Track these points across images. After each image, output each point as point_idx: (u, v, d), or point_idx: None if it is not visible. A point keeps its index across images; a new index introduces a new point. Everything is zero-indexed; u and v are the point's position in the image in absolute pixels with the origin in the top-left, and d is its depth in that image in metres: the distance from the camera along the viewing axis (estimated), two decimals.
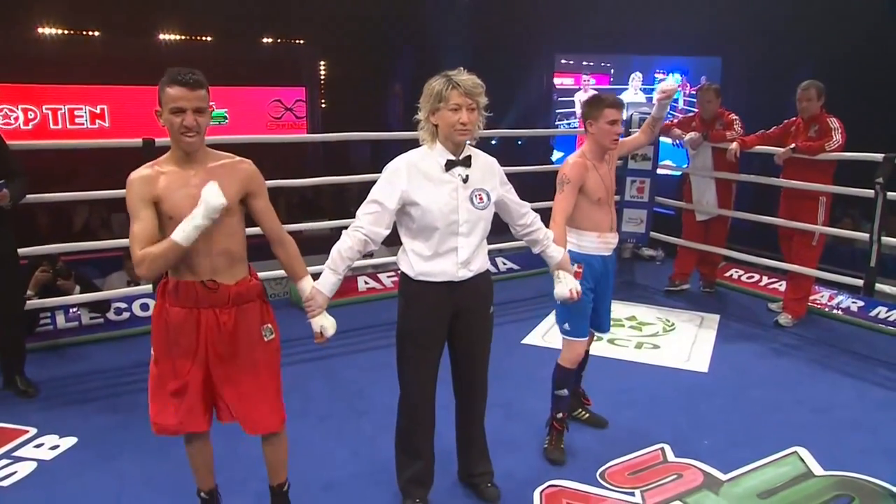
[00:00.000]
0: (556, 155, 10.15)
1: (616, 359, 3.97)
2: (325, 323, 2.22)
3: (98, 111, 9.22)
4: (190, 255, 1.99)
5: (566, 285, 2.55)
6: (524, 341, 4.20)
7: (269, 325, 2.15)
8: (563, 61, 10.66)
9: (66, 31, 8.70)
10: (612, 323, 4.43)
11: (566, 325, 2.91)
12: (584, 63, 10.69)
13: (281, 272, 2.57)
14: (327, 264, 2.27)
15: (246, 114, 9.89)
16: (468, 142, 2.34)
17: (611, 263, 2.95)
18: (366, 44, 9.64)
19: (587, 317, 2.93)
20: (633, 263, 5.72)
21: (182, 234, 1.91)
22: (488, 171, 2.37)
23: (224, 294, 2.05)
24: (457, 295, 2.34)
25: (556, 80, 10.80)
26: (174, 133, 1.97)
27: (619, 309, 4.76)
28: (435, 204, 2.25)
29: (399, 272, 2.39)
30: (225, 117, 9.66)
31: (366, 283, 5.12)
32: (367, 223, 2.26)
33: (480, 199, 2.31)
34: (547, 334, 4.30)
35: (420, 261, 2.29)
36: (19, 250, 3.36)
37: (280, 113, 10.35)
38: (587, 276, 2.85)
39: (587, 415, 3.22)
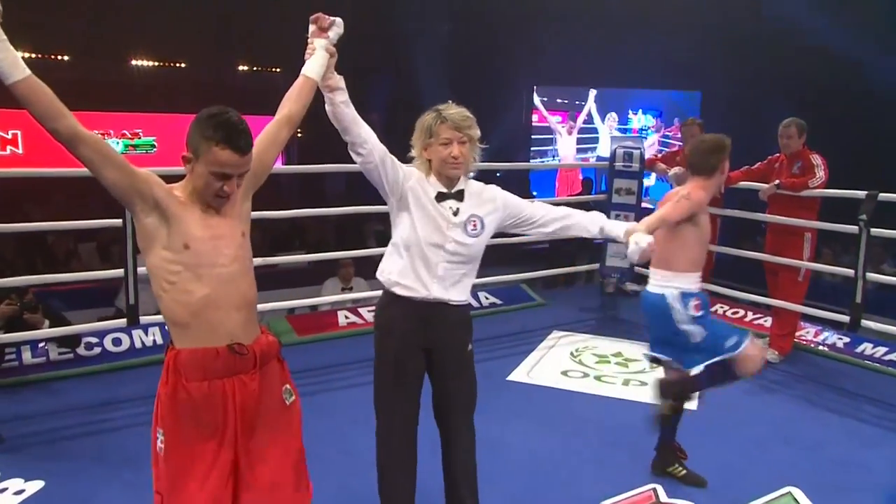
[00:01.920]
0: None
1: (603, 396, 4.00)
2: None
3: (9, 136, 8.80)
4: (207, 314, 1.75)
5: (643, 239, 2.40)
6: (510, 378, 4.22)
7: (289, 386, 1.93)
8: (544, 99, 10.93)
9: None
10: (597, 359, 4.60)
11: (730, 342, 2.88)
12: (559, 100, 11.00)
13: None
14: None
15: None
16: (468, 175, 2.39)
17: None
18: (341, 72, 9.72)
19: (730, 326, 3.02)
20: (616, 299, 5.80)
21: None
22: (486, 200, 2.39)
23: (251, 357, 1.81)
24: (431, 325, 2.33)
25: (538, 117, 11.08)
26: (208, 193, 1.74)
27: (604, 345, 4.83)
28: (421, 230, 2.29)
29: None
30: (153, 146, 9.63)
31: (346, 317, 5.11)
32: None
33: (474, 225, 2.33)
34: (532, 371, 4.33)
35: (398, 262, 2.31)
36: None
37: None
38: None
39: (684, 472, 3.10)
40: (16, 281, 3.73)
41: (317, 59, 2.14)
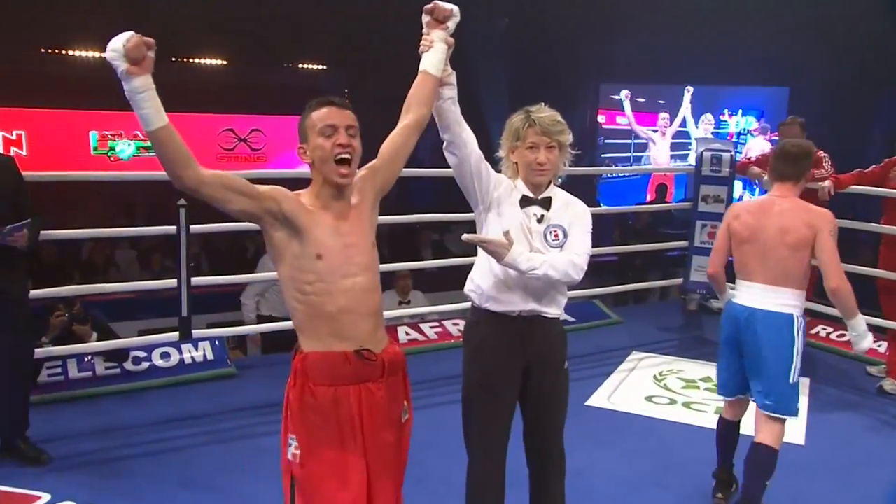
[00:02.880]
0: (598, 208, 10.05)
1: (694, 425, 3.80)
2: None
3: (14, 137, 8.66)
4: (340, 321, 1.80)
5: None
6: (589, 403, 4.05)
7: (406, 404, 1.95)
8: (612, 97, 10.65)
9: None
10: (684, 384, 4.39)
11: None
12: (638, 99, 10.65)
13: None
14: None
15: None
16: (557, 181, 2.34)
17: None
18: (394, 70, 9.69)
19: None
20: (701, 317, 5.57)
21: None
22: (570, 213, 2.32)
23: (379, 364, 1.85)
24: (530, 341, 2.26)
25: (607, 118, 10.71)
26: (327, 159, 1.80)
27: (690, 368, 4.62)
28: (503, 231, 2.21)
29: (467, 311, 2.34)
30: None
31: (406, 333, 5.02)
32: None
33: (556, 236, 2.28)
34: (613, 395, 4.15)
35: (490, 277, 2.25)
36: (34, 292, 3.32)
37: (232, 144, 9.78)
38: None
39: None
40: (67, 290, 3.75)
41: (436, 53, 2.12)
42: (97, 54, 8.25)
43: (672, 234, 6.95)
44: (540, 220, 2.27)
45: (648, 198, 10.21)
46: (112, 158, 8.97)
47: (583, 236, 2.30)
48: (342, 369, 1.79)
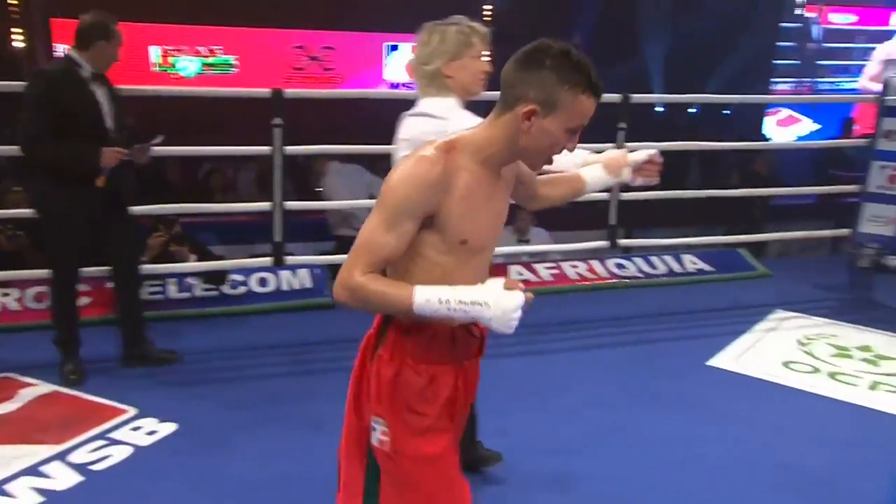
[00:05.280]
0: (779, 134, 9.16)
1: (839, 400, 3.55)
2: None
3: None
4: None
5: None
6: (710, 362, 3.87)
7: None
8: None
9: None
10: (835, 351, 4.08)
11: None
12: None
13: None
14: None
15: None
16: None
17: None
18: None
19: None
20: (873, 276, 5.10)
21: (433, 306, 1.52)
22: None
23: (479, 341, 1.77)
24: None
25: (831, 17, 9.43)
26: (542, 156, 1.62)
27: (847, 334, 4.31)
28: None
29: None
30: (232, 65, 9.00)
31: (519, 273, 5.01)
32: None
33: None
34: (743, 356, 3.93)
35: None
36: (136, 208, 3.61)
37: (302, 63, 9.36)
38: None
39: None
40: (159, 209, 4.03)
41: (602, 179, 2.07)
42: None
43: (846, 177, 6.37)
44: None
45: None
46: (174, 76, 8.85)
47: None
48: (447, 347, 1.68)
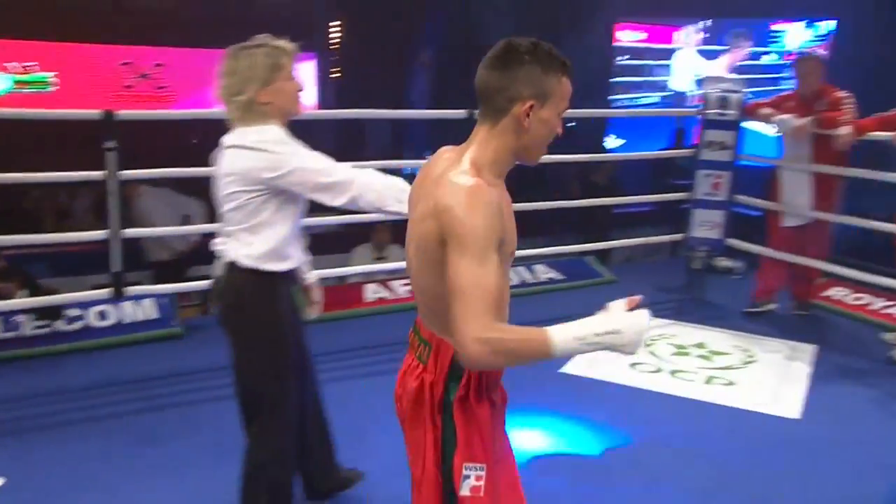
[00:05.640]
0: (615, 143, 9.77)
1: (678, 396, 3.77)
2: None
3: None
4: (505, 309, 1.67)
5: None
6: (564, 370, 4.00)
7: None
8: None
9: None
10: (674, 350, 4.34)
11: None
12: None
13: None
14: None
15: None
16: None
17: None
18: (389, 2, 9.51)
19: None
20: (704, 277, 5.48)
21: (571, 346, 1.47)
22: None
23: None
24: None
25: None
26: (541, 147, 1.64)
27: (685, 333, 4.57)
28: None
29: None
30: (48, 83, 8.44)
31: (375, 292, 4.99)
32: None
33: None
34: (595, 362, 4.10)
35: None
36: None
37: (130, 81, 8.95)
38: None
39: None
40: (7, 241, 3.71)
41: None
42: None
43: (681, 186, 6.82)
44: None
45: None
46: None
47: None
48: (495, 378, 1.71)
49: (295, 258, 2.41)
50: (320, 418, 2.70)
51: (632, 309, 1.51)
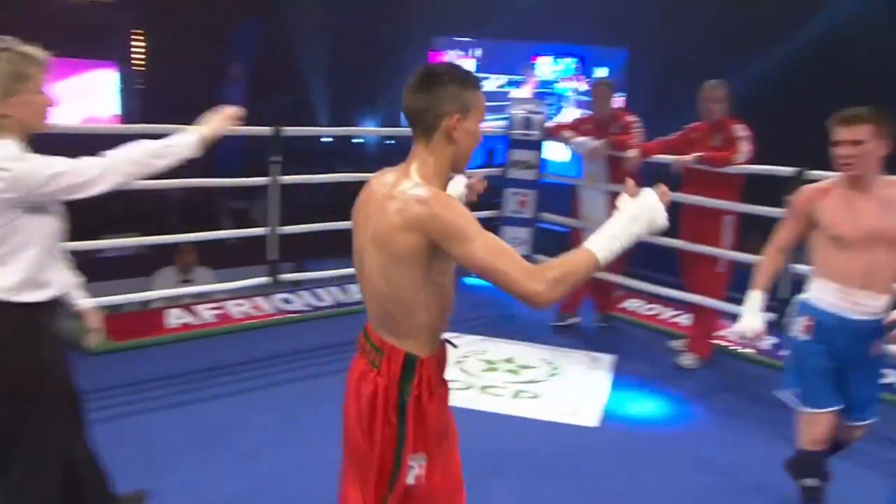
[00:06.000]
0: None
1: (487, 412, 3.83)
2: None
3: None
4: (452, 305, 1.85)
5: None
6: None
7: None
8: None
9: None
10: (485, 366, 4.41)
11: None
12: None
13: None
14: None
15: None
16: None
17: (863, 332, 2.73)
18: (197, 13, 9.19)
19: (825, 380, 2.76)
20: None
21: (615, 249, 1.68)
22: None
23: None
24: None
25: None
26: (467, 156, 1.84)
27: (495, 349, 4.66)
28: None
29: None
30: None
31: (178, 317, 4.70)
32: None
33: None
34: None
35: None
36: None
37: None
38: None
39: None
40: None
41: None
42: None
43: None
44: None
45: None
46: None
47: None
48: (445, 365, 1.90)
49: (57, 284, 2.18)
50: (90, 455, 2.46)
51: (635, 195, 1.71)
